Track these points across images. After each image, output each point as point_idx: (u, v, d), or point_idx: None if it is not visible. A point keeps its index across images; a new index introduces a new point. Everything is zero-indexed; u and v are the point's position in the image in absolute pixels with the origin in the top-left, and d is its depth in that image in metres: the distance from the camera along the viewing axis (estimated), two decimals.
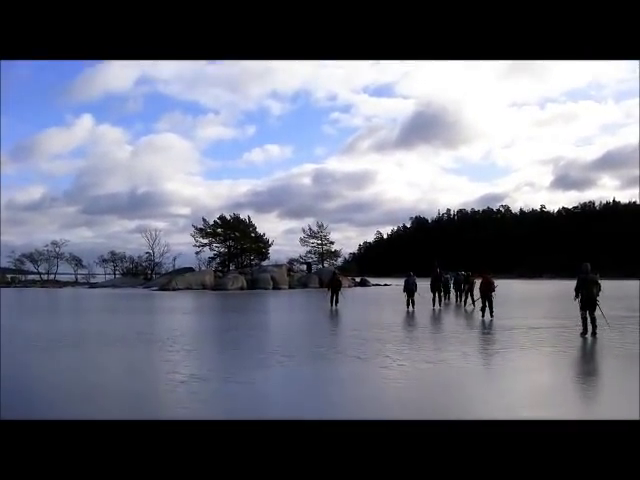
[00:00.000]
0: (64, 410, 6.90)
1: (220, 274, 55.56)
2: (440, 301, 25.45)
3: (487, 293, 18.98)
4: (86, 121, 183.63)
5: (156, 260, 66.15)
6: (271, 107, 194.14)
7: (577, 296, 13.82)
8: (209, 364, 10.30)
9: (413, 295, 23.45)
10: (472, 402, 7.47)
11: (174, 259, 65.30)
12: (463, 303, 25.92)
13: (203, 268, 59.16)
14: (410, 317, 21.69)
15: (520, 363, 10.39)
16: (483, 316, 18.77)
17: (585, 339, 13.34)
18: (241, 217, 65.16)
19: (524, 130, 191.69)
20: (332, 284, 25.83)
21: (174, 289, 48.42)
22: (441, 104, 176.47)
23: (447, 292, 28.12)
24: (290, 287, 52.44)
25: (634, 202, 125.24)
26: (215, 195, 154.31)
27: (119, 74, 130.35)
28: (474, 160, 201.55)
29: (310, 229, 65.92)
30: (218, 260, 63.62)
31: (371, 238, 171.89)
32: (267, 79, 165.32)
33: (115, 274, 68.87)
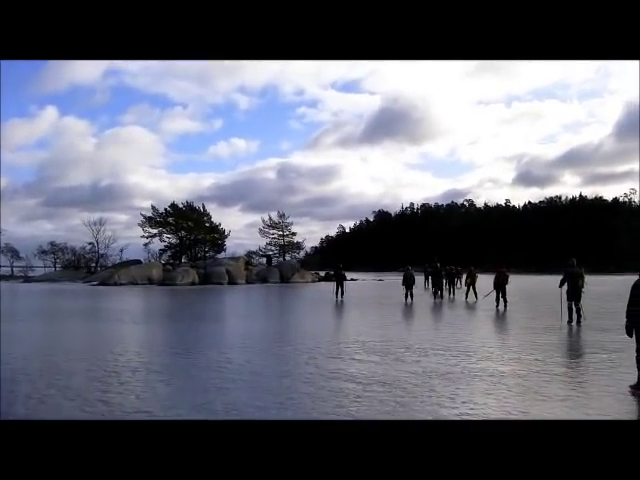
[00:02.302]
0: None
1: (170, 267, 50.05)
2: (442, 295, 26.46)
3: (503, 285, 20.34)
4: (50, 113, 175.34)
5: (101, 252, 60.64)
6: (239, 101, 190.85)
7: (561, 286, 15.15)
8: None
9: (412, 288, 24.59)
10: None
11: (121, 251, 59.93)
12: (465, 296, 25.12)
13: (153, 261, 53.86)
14: (416, 323, 16.89)
15: None
16: (498, 306, 19.97)
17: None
18: (195, 205, 59.77)
19: (490, 127, 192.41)
20: (337, 277, 28.00)
21: (116, 284, 43.28)
22: (407, 101, 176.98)
23: (444, 286, 27.87)
24: (248, 282, 47.24)
25: (600, 197, 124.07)
26: (178, 188, 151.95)
27: (86, 66, 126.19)
28: (439, 156, 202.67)
29: (270, 219, 60.15)
30: (169, 252, 58.21)
31: (334, 232, 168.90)
32: (236, 73, 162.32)
33: (55, 267, 62.95)
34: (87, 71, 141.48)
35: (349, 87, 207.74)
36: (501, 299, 20.14)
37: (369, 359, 9.76)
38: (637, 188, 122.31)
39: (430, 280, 27.59)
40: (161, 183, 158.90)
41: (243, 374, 8.59)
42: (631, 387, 7.22)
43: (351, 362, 9.48)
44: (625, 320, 7.27)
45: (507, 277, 20.57)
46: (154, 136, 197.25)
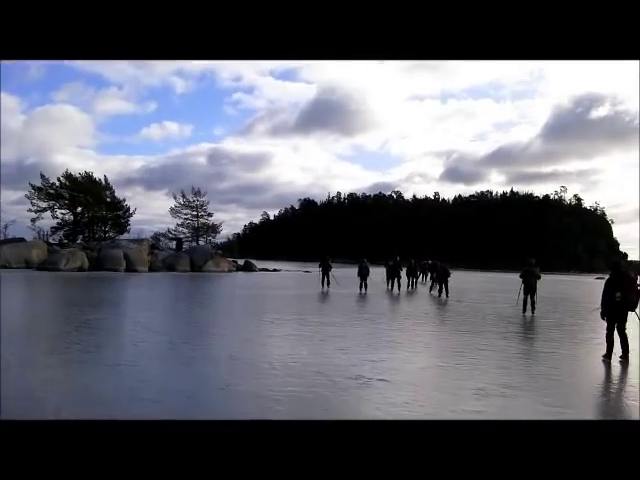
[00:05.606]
0: None
1: (58, 248, 41.72)
2: (409, 286, 28.66)
3: (444, 278, 23.90)
4: None
5: None
6: (176, 84, 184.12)
7: (521, 277, 17.33)
8: None
9: (366, 279, 25.57)
10: None
11: (5, 227, 50.78)
12: (429, 290, 25.86)
13: (39, 240, 45.22)
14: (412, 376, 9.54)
15: None
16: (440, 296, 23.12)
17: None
18: (95, 177, 51.25)
19: (423, 123, 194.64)
20: (323, 268, 27.57)
21: None
22: (343, 92, 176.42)
23: (406, 279, 29.01)
24: (151, 269, 39.86)
25: (531, 194, 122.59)
26: (106, 170, 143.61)
27: None
28: (370, 149, 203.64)
29: (184, 196, 52.44)
30: (63, 231, 49.66)
31: (258, 219, 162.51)
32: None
33: None
34: None
35: (287, 75, 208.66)
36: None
37: None
38: (566, 187, 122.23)
39: (398, 274, 27.29)
40: (88, 164, 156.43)
41: None
42: (603, 356, 9.32)
43: None
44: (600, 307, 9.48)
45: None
46: (85, 116, 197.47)
